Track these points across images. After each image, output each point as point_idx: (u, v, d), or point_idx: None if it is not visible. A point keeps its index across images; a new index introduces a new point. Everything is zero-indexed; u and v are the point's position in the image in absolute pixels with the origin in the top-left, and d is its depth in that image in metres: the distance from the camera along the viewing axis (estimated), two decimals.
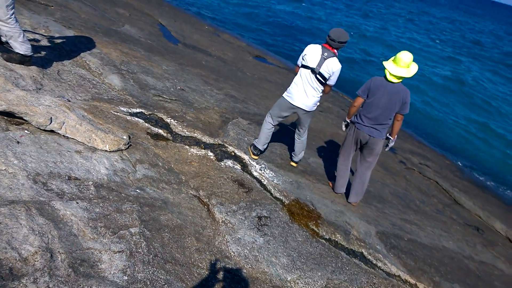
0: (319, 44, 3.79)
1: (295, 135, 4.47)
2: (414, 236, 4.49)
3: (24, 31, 4.61)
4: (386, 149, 4.18)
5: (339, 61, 3.75)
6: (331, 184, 4.64)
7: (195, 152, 4.12)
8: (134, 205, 2.80)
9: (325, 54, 3.69)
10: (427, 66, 18.13)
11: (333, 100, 9.40)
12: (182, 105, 5.06)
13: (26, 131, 3.05)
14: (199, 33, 10.37)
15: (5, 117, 3.08)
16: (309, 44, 3.91)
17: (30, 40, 4.75)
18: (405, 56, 3.59)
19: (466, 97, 14.70)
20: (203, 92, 5.84)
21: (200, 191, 3.53)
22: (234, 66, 8.59)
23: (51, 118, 3.11)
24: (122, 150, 3.43)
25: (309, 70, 3.79)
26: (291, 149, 4.78)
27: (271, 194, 4.00)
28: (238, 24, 15.61)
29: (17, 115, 3.06)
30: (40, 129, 3.12)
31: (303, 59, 3.86)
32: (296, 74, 4.02)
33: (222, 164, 4.11)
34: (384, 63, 3.80)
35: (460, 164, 8.83)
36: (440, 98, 13.85)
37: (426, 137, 9.86)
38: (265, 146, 4.47)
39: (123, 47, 5.97)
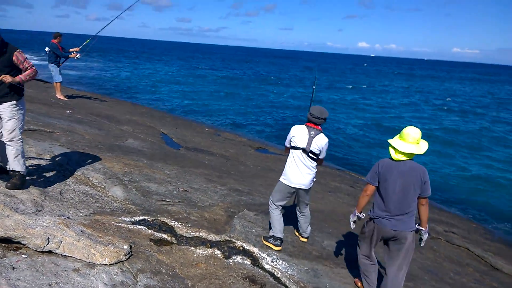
0: (303, 125, 4.00)
1: (297, 213, 4.51)
2: None
3: (29, 158, 4.85)
4: (421, 245, 3.55)
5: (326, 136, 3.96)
6: (359, 284, 3.85)
7: (201, 252, 3.95)
8: None
9: (312, 132, 3.91)
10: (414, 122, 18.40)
11: (341, 179, 9.32)
12: (185, 206, 5.01)
13: (23, 255, 2.97)
14: (200, 136, 10.84)
15: (3, 244, 3.03)
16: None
17: (34, 165, 4.97)
18: (412, 131, 3.23)
19: (468, 147, 14.64)
20: (207, 190, 5.84)
21: None
22: (236, 161, 8.76)
23: (48, 238, 3.06)
24: (122, 261, 3.28)
25: (300, 151, 3.96)
26: (298, 227, 4.70)
27: (287, 287, 3.70)
28: (238, 121, 16.43)
29: (14, 240, 3.02)
30: (38, 251, 3.05)
31: (291, 141, 4.02)
32: (286, 155, 4.16)
33: (231, 261, 3.89)
34: (390, 141, 3.41)
35: (488, 226, 8.30)
36: (444, 152, 13.82)
37: (444, 202, 9.47)
38: (283, 234, 4.35)
39: (125, 159, 6.17)
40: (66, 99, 11.64)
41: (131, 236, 3.86)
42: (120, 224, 4.04)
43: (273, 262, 4.04)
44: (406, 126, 3.41)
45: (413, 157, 3.33)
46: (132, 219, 4.29)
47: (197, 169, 6.93)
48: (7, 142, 3.96)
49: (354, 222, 3.70)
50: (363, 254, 3.63)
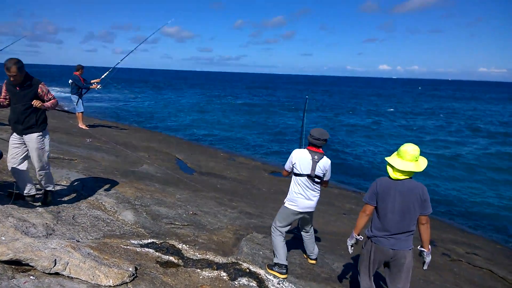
0: (304, 148, 3.97)
1: (302, 233, 4.45)
2: None
3: None
4: (424, 268, 3.36)
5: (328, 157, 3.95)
6: None
7: (206, 274, 3.95)
8: None
9: (315, 157, 3.87)
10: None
11: (356, 201, 9.17)
12: (194, 229, 5.06)
13: (31, 276, 3.08)
14: (214, 161, 10.98)
15: (13, 266, 3.16)
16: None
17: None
18: (410, 148, 3.16)
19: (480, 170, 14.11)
20: (217, 213, 5.89)
21: None
22: (249, 184, 8.80)
23: (55, 260, 3.16)
24: (126, 282, 3.34)
25: (305, 177, 3.89)
26: (305, 249, 4.65)
27: None
28: (254, 146, 16.57)
29: (23, 262, 3.14)
30: (45, 273, 3.15)
31: (294, 167, 3.97)
32: (285, 176, 4.21)
33: (236, 283, 3.88)
34: (387, 159, 3.30)
35: None
36: (460, 176, 13.38)
37: (468, 224, 9.12)
38: (287, 261, 4.27)
39: (138, 184, 6.34)
40: (87, 128, 12.12)
41: (138, 259, 3.92)
42: (128, 247, 4.12)
43: (279, 284, 4.00)
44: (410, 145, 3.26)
45: (412, 175, 3.23)
46: (141, 242, 4.37)
47: (208, 193, 7.01)
48: (38, 172, 4.45)
49: (352, 246, 3.56)
50: (363, 278, 3.48)
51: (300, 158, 3.90)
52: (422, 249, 3.30)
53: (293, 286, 4.00)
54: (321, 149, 3.94)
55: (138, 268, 3.69)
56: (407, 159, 3.17)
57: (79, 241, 3.87)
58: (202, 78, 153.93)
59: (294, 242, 5.21)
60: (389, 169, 3.27)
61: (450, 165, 15.22)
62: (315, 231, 5.20)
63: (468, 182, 12.92)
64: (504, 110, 44.20)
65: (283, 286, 3.97)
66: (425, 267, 3.34)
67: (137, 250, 4.14)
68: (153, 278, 3.60)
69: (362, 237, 3.51)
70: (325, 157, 3.91)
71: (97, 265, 3.33)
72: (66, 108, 19.30)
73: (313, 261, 4.57)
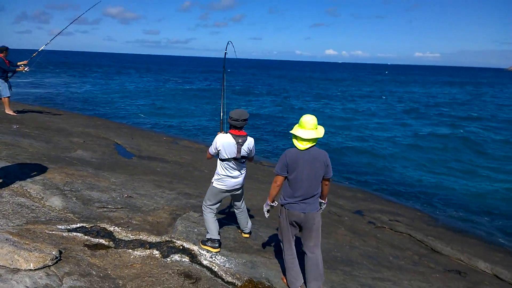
0: (226, 133, 3.97)
1: (236, 210, 4.56)
2: None
3: None
4: (320, 211, 3.76)
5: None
6: (284, 280, 3.90)
7: (138, 254, 3.97)
8: None
9: (240, 140, 3.92)
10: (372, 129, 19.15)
11: None
12: (128, 211, 5.00)
13: None
14: (156, 145, 10.78)
15: None
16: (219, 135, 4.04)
17: None
18: (309, 118, 3.49)
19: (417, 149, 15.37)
20: (153, 195, 5.85)
21: None
22: (191, 167, 8.78)
23: None
24: (49, 266, 3.26)
25: (232, 161, 3.98)
26: (235, 223, 4.81)
27: (223, 279, 3.79)
28: (198, 130, 16.45)
29: None
30: None
31: (219, 152, 3.99)
32: (208, 159, 4.23)
33: (168, 260, 3.94)
34: (292, 131, 3.56)
35: (434, 213, 8.72)
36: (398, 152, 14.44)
37: (392, 194, 9.89)
38: (219, 235, 4.38)
39: (69, 170, 6.08)
40: (15, 114, 11.28)
41: (64, 243, 3.82)
42: (53, 232, 4.00)
43: (211, 258, 4.12)
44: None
45: (315, 142, 3.52)
46: (68, 227, 4.25)
47: (146, 176, 6.91)
48: None
49: (268, 211, 3.88)
50: (285, 244, 3.76)
51: (225, 143, 3.91)
52: (321, 200, 3.80)
53: (225, 258, 4.14)
54: (243, 130, 3.97)
55: (63, 251, 3.62)
56: (309, 128, 3.49)
57: None
58: (149, 61, 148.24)
59: (229, 217, 5.35)
60: (294, 141, 3.55)
61: (387, 144, 16.29)
62: (249, 209, 5.39)
63: (400, 160, 13.94)
64: (439, 93, 47.84)
65: (216, 259, 4.10)
66: (320, 211, 3.77)
67: (64, 234, 4.03)
68: (79, 260, 3.55)
69: (276, 203, 3.83)
70: (248, 137, 3.98)
71: (16, 249, 3.21)
72: None
73: (247, 235, 4.74)
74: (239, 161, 4.02)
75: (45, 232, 3.94)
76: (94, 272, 3.43)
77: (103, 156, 7.87)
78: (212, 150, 4.05)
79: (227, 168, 4.04)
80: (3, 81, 10.62)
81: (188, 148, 11.47)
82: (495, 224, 8.39)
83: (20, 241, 3.44)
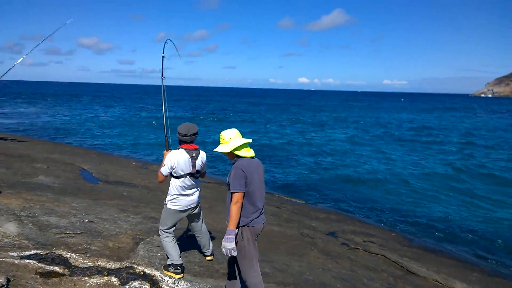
0: (178, 149, 3.82)
1: (195, 233, 4.36)
2: None
3: None
4: None
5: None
6: None
7: (95, 281, 3.73)
8: None
9: (193, 154, 3.80)
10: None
11: (267, 200, 9.44)
12: (88, 237, 4.76)
13: None
14: (125, 170, 10.49)
15: None
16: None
17: None
18: (235, 130, 3.35)
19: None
20: (117, 219, 5.62)
21: None
22: (160, 191, 8.55)
23: None
24: None
25: (187, 176, 3.83)
26: (199, 246, 4.53)
27: None
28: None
29: None
30: None
31: (174, 171, 3.79)
32: (160, 182, 3.93)
33: (127, 287, 3.72)
34: (239, 142, 3.27)
35: (409, 234, 8.77)
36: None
37: (366, 215, 9.93)
38: (181, 260, 4.17)
39: (27, 195, 5.79)
40: None
41: (14, 270, 3.57)
42: (3, 259, 3.74)
43: (174, 284, 3.93)
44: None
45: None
46: (21, 254, 3.99)
47: (111, 201, 6.66)
48: None
49: (234, 248, 3.15)
50: (254, 269, 3.31)
51: (179, 159, 3.74)
52: None
53: (188, 284, 3.96)
54: (193, 144, 3.85)
55: (12, 279, 3.36)
56: (240, 136, 3.33)
57: None
58: (124, 91, 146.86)
59: (192, 241, 5.13)
60: (239, 152, 3.26)
61: (364, 167, 16.53)
62: (210, 230, 5.19)
63: (374, 182, 14.11)
64: (409, 117, 49.64)
65: (179, 286, 3.92)
66: None
67: (15, 262, 3.77)
68: None
69: (237, 230, 3.24)
70: (201, 151, 3.90)
71: None
72: None
73: (210, 257, 4.52)
74: (194, 176, 3.89)
75: None
76: None
77: (66, 181, 7.55)
78: (165, 170, 3.78)
79: (181, 186, 3.86)
80: None
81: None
82: (470, 244, 8.49)
83: None
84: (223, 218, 6.98)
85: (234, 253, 3.14)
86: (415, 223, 9.62)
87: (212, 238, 4.86)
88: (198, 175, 3.97)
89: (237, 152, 3.26)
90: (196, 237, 4.39)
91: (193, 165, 3.81)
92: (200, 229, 4.30)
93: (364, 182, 13.86)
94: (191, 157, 3.79)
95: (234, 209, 3.12)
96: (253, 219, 3.25)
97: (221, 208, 7.80)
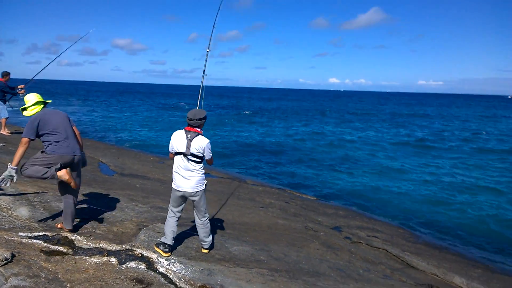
0: (182, 129, 4.16)
1: (196, 221, 4.52)
2: None
3: None
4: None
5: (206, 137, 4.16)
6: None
7: (94, 260, 3.99)
8: None
9: (189, 135, 4.06)
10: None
11: (277, 196, 9.54)
12: (94, 222, 5.05)
13: None
14: (141, 163, 10.87)
15: None
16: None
17: None
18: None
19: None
20: (124, 208, 5.89)
21: None
22: None
23: None
24: None
25: (181, 156, 4.09)
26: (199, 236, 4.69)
27: (176, 285, 3.79)
28: None
29: None
30: None
31: (173, 147, 4.16)
32: (171, 159, 4.30)
33: (124, 266, 3.95)
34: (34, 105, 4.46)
35: (417, 231, 8.65)
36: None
37: (375, 212, 9.83)
38: (173, 241, 4.40)
39: (42, 183, 6.18)
40: (9, 134, 11.78)
41: (20, 248, 3.87)
42: (12, 238, 4.05)
43: (169, 265, 4.13)
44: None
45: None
46: (30, 235, 4.30)
47: (122, 191, 6.97)
48: None
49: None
50: None
51: (176, 137, 4.10)
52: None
53: (182, 265, 4.15)
54: (198, 128, 4.10)
55: (16, 255, 3.66)
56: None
57: None
58: (155, 89, 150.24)
59: (195, 229, 5.32)
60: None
61: (380, 168, 16.32)
62: (223, 219, 5.32)
63: (387, 180, 13.90)
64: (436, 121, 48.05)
65: (173, 267, 4.11)
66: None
67: (23, 241, 4.08)
68: (30, 264, 3.59)
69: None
70: (200, 136, 4.07)
71: None
72: None
73: (205, 250, 4.61)
74: (187, 157, 4.07)
75: (4, 237, 4.00)
76: (43, 275, 3.45)
77: (83, 172, 7.91)
78: (170, 147, 4.20)
79: (178, 165, 4.14)
80: (2, 103, 11.26)
81: None
82: (479, 242, 8.29)
83: None
84: (230, 211, 7.15)
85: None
86: (426, 221, 9.45)
87: (226, 229, 4.97)
88: (194, 159, 4.11)
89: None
90: (197, 228, 4.53)
91: (188, 146, 4.04)
92: (200, 220, 4.43)
93: (377, 179, 13.66)
94: (187, 138, 4.05)
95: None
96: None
97: (249, 205, 7.98)
